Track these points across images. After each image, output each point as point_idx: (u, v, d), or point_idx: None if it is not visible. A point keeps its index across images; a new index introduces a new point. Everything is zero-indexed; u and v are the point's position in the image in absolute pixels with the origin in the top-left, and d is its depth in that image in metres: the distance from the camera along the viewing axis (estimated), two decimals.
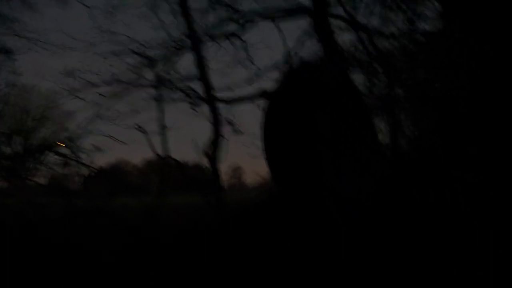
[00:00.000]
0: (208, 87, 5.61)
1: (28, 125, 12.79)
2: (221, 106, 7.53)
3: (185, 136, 6.16)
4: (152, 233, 6.19)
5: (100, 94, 7.58)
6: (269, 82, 11.90)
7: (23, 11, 7.47)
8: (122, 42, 8.07)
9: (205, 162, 5.95)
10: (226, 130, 6.25)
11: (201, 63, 5.55)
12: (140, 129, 6.57)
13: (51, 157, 9.20)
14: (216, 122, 5.61)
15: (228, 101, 7.68)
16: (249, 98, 7.48)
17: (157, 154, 6.21)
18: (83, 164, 9.46)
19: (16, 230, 8.37)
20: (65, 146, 9.09)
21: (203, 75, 5.55)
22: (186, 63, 10.99)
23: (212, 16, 8.50)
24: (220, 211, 5.46)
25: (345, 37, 8.16)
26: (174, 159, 6.78)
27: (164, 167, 6.52)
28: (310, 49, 7.56)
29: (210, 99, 5.69)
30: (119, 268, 5.07)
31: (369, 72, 8.21)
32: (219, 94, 8.25)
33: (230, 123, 7.19)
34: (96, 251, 5.87)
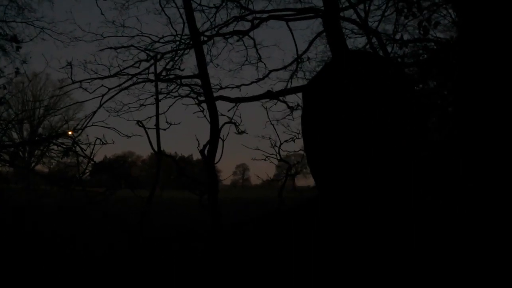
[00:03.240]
0: (207, 85, 5.53)
1: (37, 113, 12.94)
2: (227, 105, 7.49)
3: (192, 132, 6.01)
4: (142, 227, 6.15)
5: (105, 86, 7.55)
6: (277, 82, 11.89)
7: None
8: (132, 35, 8.10)
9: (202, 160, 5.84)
10: (228, 129, 6.18)
11: (201, 61, 5.46)
12: (140, 124, 6.50)
13: (58, 146, 9.17)
14: (214, 120, 5.51)
15: (234, 100, 7.61)
16: (256, 98, 7.39)
17: (153, 150, 6.13)
18: (87, 155, 9.46)
19: (17, 216, 8.42)
20: (73, 135, 9.08)
21: (202, 73, 5.46)
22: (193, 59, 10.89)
23: (223, 13, 8.50)
24: (214, 211, 5.34)
25: (356, 42, 8.07)
26: (169, 155, 6.72)
27: (159, 163, 6.45)
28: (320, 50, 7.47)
29: (209, 97, 5.60)
30: (108, 260, 5.04)
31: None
32: (224, 92, 8.24)
33: (233, 122, 7.11)
34: (86, 242, 5.84)
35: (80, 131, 8.65)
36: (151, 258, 5.15)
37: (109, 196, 9.29)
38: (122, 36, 8.17)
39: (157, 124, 6.08)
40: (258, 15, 8.10)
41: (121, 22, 11.18)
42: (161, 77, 6.98)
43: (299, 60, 8.84)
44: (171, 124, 6.79)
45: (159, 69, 7.07)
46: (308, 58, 8.39)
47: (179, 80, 7.13)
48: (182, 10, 6.62)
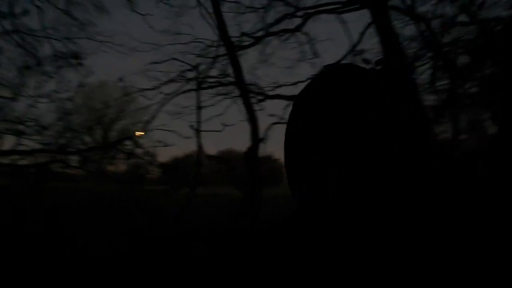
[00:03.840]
0: (244, 86, 5.77)
1: (107, 118, 14.15)
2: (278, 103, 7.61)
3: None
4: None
5: (162, 93, 8.11)
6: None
7: (94, 14, 8.13)
8: (185, 42, 8.57)
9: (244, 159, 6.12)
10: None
11: (235, 64, 5.70)
12: (192, 127, 6.95)
13: (127, 148, 9.90)
14: (253, 122, 5.75)
15: (289, 98, 7.76)
16: None
17: (199, 150, 6.53)
18: (151, 156, 10.19)
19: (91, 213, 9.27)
20: (137, 139, 9.78)
21: (238, 75, 5.70)
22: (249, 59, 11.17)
23: (273, 13, 8.63)
24: (255, 209, 5.61)
25: (406, 31, 7.85)
26: (212, 156, 7.09)
27: (198, 162, 6.83)
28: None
29: (246, 100, 5.83)
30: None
31: (430, 67, 7.84)
32: (281, 91, 8.39)
33: (283, 122, 7.30)
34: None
35: (143, 134, 9.34)
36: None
37: (172, 193, 9.94)
38: (177, 43, 8.66)
39: (197, 127, 6.46)
40: (308, 11, 8.14)
41: (175, 29, 11.73)
42: (204, 83, 7.37)
43: (354, 54, 8.70)
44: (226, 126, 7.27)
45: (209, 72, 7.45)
46: (362, 51, 8.17)
47: (222, 84, 7.46)
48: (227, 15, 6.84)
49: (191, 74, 7.94)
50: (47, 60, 7.07)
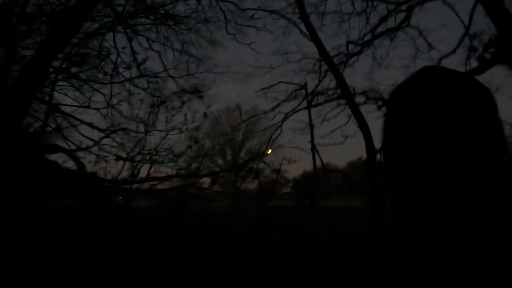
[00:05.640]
0: (348, 92, 5.60)
1: (236, 140, 15.08)
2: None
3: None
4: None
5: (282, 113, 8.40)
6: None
7: (209, 49, 8.89)
8: (294, 60, 8.76)
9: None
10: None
11: (340, 80, 5.56)
12: (311, 142, 7.04)
13: (258, 166, 10.36)
14: (366, 133, 5.50)
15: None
16: None
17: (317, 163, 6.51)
18: (279, 172, 10.50)
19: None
20: (270, 154, 10.21)
21: (344, 91, 5.56)
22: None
23: (376, 15, 8.29)
24: (378, 221, 5.34)
25: None
26: (336, 170, 6.98)
27: (316, 177, 6.77)
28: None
29: (356, 113, 5.61)
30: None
31: None
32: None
33: None
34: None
35: (270, 152, 9.72)
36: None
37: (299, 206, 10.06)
38: (289, 62, 8.90)
39: (312, 145, 6.46)
40: (410, 3, 7.63)
41: (283, 50, 12.05)
42: (313, 100, 7.39)
43: (471, 39, 7.80)
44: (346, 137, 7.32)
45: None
46: (475, 34, 7.20)
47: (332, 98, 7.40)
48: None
49: (301, 93, 8.06)
50: (172, 97, 7.90)
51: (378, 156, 5.83)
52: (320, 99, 7.73)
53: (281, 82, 8.12)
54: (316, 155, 6.55)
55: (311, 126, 6.81)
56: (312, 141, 6.57)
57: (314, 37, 5.52)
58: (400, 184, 0.84)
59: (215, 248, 6.25)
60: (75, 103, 7.48)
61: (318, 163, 6.70)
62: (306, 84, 7.67)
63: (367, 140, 5.52)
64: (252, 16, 7.93)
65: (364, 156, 5.77)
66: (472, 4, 6.89)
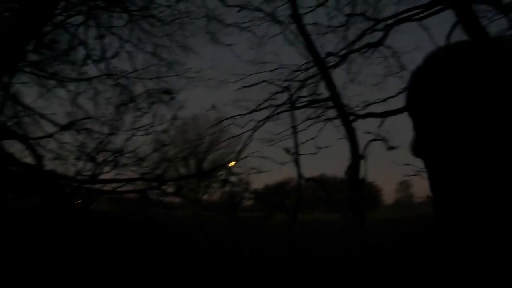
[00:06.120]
0: (340, 106, 5.45)
1: (201, 148, 14.63)
2: (372, 121, 7.24)
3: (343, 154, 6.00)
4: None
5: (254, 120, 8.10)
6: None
7: (181, 54, 8.55)
8: (271, 69, 8.55)
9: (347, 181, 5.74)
10: (375, 146, 5.98)
11: (329, 83, 5.43)
12: (287, 151, 6.79)
13: (220, 177, 10.03)
14: (352, 140, 5.37)
15: (380, 115, 7.31)
16: (402, 109, 6.97)
17: (299, 175, 6.28)
18: (245, 183, 10.20)
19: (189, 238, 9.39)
20: (230, 168, 9.86)
21: (334, 95, 5.41)
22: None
23: (354, 30, 8.31)
24: (361, 234, 5.15)
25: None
26: (315, 180, 6.76)
27: (299, 188, 6.55)
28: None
29: (344, 118, 5.49)
30: None
31: None
32: (373, 108, 7.93)
33: (380, 139, 6.83)
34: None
35: (235, 163, 9.39)
36: None
37: (267, 220, 9.76)
38: (263, 72, 8.66)
39: (295, 152, 6.24)
40: (387, 22, 7.71)
41: (260, 59, 11.93)
42: (297, 104, 7.20)
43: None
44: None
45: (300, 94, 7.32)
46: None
47: (316, 104, 7.25)
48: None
49: (281, 97, 7.84)
50: (140, 98, 7.50)
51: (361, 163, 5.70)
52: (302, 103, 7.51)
53: (264, 81, 7.85)
54: (296, 164, 6.31)
55: (295, 130, 6.58)
56: (295, 148, 6.33)
57: (306, 38, 5.35)
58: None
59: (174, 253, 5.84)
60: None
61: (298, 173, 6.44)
62: (289, 86, 7.47)
63: (353, 146, 5.37)
64: (238, 11, 7.62)
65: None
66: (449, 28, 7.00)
